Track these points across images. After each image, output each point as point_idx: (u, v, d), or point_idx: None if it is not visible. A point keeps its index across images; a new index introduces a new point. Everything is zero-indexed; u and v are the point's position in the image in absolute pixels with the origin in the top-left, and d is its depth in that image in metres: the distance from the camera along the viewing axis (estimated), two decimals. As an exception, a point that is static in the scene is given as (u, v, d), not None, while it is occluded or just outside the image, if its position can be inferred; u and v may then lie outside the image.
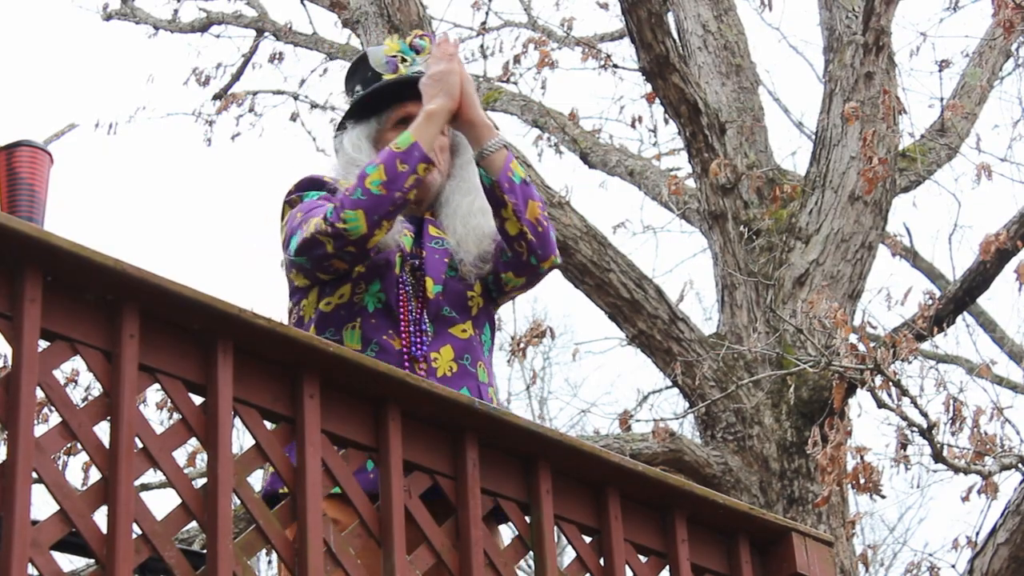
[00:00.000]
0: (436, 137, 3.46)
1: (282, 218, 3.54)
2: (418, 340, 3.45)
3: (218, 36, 11.90)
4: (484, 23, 11.21)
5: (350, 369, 2.77)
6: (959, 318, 9.33)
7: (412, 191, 3.40)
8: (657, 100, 8.67)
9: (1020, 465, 7.13)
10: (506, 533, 3.40)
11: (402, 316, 3.46)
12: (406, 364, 3.40)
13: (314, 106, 11.64)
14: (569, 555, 6.16)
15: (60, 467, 6.96)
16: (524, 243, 3.50)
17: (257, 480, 3.43)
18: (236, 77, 11.79)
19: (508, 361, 10.64)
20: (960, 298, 8.45)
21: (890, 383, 6.97)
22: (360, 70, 3.68)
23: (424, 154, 3.39)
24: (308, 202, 3.50)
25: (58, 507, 2.38)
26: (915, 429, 7.09)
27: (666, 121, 9.18)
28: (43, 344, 2.45)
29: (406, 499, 2.80)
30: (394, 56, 3.66)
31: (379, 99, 3.62)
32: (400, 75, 3.63)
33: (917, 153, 9.38)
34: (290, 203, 3.54)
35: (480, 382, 3.49)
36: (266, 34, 11.66)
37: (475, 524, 2.87)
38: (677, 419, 9.75)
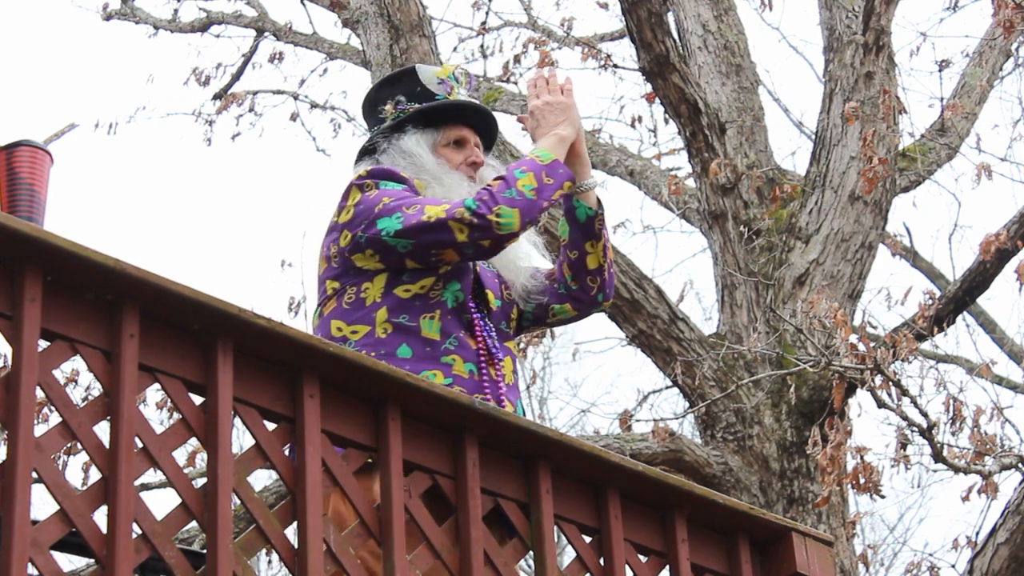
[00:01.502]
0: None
1: (348, 198, 3.59)
2: (492, 344, 3.56)
3: (218, 36, 11.90)
4: (484, 23, 11.21)
5: (350, 369, 2.77)
6: (959, 318, 9.33)
7: (553, 204, 3.59)
8: (657, 100, 8.67)
9: (1020, 465, 7.12)
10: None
11: (476, 319, 3.56)
12: (483, 363, 3.51)
13: (314, 106, 11.65)
14: (569, 555, 6.16)
15: (60, 467, 6.97)
16: (599, 279, 3.74)
17: (257, 480, 3.44)
18: (236, 77, 11.79)
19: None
20: (960, 298, 8.45)
21: (890, 383, 6.97)
22: (406, 82, 3.82)
23: (569, 174, 3.60)
24: (396, 191, 3.57)
25: (58, 507, 2.38)
26: (915, 429, 7.08)
27: (666, 121, 9.18)
28: (43, 344, 2.45)
29: (406, 499, 2.80)
30: (447, 80, 3.83)
31: (437, 114, 3.78)
32: (468, 100, 3.82)
33: (917, 153, 9.38)
34: (362, 187, 3.59)
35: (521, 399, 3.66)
36: (266, 34, 11.65)
37: (475, 524, 2.87)
38: (677, 419, 9.76)
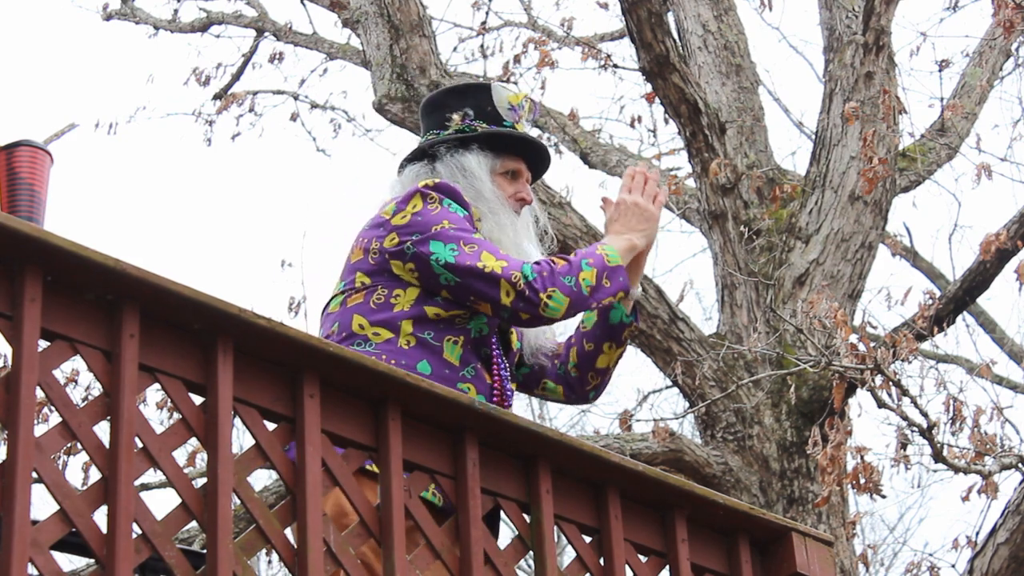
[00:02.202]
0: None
1: (408, 202, 3.53)
2: (506, 382, 3.55)
3: (218, 36, 11.90)
4: (484, 23, 11.21)
5: (350, 369, 2.77)
6: (959, 318, 9.34)
7: (600, 306, 3.58)
8: (657, 100, 8.67)
9: (1020, 465, 7.12)
10: (504, 533, 3.41)
11: (495, 355, 3.54)
12: (495, 399, 3.49)
13: (314, 106, 11.64)
14: (569, 555, 6.16)
15: (60, 467, 6.97)
16: (600, 380, 3.75)
17: (257, 480, 3.44)
18: (236, 77, 11.78)
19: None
20: (960, 298, 8.45)
21: (890, 383, 6.96)
22: (478, 96, 3.78)
23: (627, 284, 3.56)
24: (458, 217, 3.52)
25: (58, 507, 2.38)
26: (915, 429, 7.08)
27: (666, 121, 9.17)
28: (43, 344, 2.45)
29: (406, 499, 2.80)
30: (517, 107, 3.80)
31: (501, 141, 3.74)
32: (532, 136, 3.80)
33: (917, 153, 9.38)
34: (426, 197, 3.53)
35: None
36: (266, 34, 11.65)
37: (475, 524, 2.87)
38: (677, 419, 9.76)
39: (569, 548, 4.43)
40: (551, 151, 3.72)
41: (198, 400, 2.62)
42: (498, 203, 3.66)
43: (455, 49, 11.44)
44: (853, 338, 7.22)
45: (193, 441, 2.69)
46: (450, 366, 3.45)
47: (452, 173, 3.66)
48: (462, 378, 3.45)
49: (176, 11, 11.94)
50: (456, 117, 3.75)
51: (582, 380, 3.73)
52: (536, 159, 3.79)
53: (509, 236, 3.60)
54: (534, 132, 3.92)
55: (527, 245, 3.67)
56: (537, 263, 3.47)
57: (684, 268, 23.88)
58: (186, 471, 4.52)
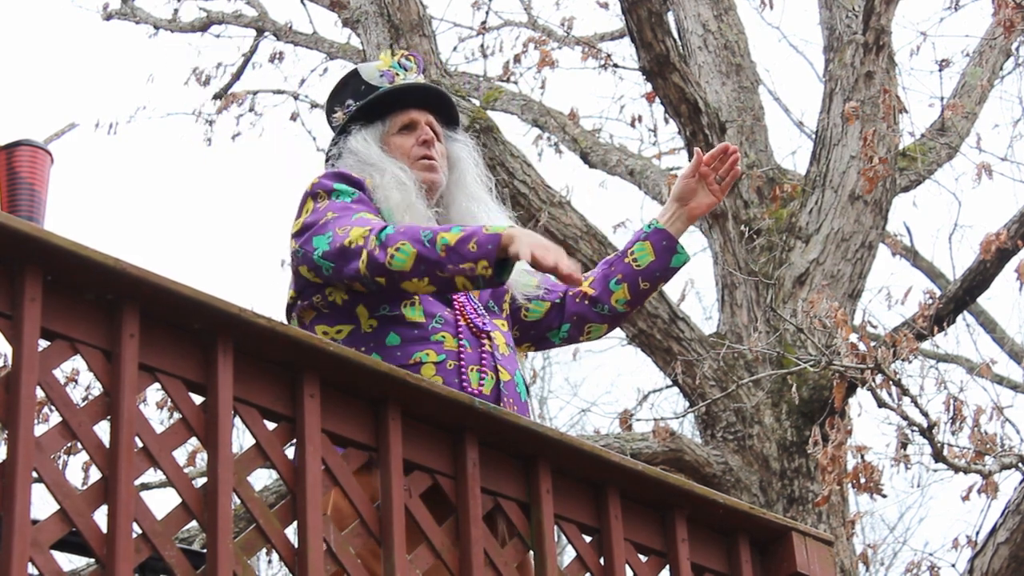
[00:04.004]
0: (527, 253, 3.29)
1: (302, 208, 3.50)
2: (480, 319, 3.51)
3: (218, 36, 11.90)
4: (484, 23, 11.21)
5: (350, 369, 2.77)
6: (959, 318, 9.34)
7: (463, 272, 3.27)
8: (657, 100, 8.67)
9: (1020, 465, 7.12)
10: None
11: (455, 296, 3.49)
12: (472, 336, 3.45)
13: (314, 106, 11.64)
14: (569, 555, 6.16)
15: (60, 467, 6.97)
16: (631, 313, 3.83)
17: (257, 480, 3.44)
18: (236, 77, 11.79)
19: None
20: (960, 297, 8.45)
21: (890, 382, 6.97)
22: (352, 84, 3.77)
23: (494, 253, 3.23)
24: (342, 203, 3.45)
25: (58, 507, 2.38)
26: (915, 428, 7.08)
27: (666, 121, 9.18)
28: (43, 344, 2.45)
29: (406, 499, 2.80)
30: (388, 70, 3.76)
31: (382, 106, 3.71)
32: (409, 83, 3.74)
33: (917, 152, 9.38)
34: (315, 196, 3.49)
35: (523, 370, 3.60)
36: (266, 34, 11.65)
37: (475, 524, 2.87)
38: (677, 419, 9.76)
39: (569, 548, 4.43)
40: (443, 88, 3.66)
41: (198, 400, 2.62)
42: (385, 161, 3.61)
43: (455, 49, 11.45)
44: (853, 338, 7.22)
45: (193, 441, 2.69)
46: (418, 325, 3.42)
47: (346, 162, 3.64)
48: (433, 331, 3.42)
49: (176, 11, 11.94)
50: (339, 114, 3.76)
51: (628, 313, 3.80)
52: (435, 103, 3.73)
53: (396, 197, 3.52)
54: (425, 82, 3.83)
55: (417, 201, 3.56)
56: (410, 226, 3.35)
57: (684, 268, 23.88)
58: (186, 471, 4.52)
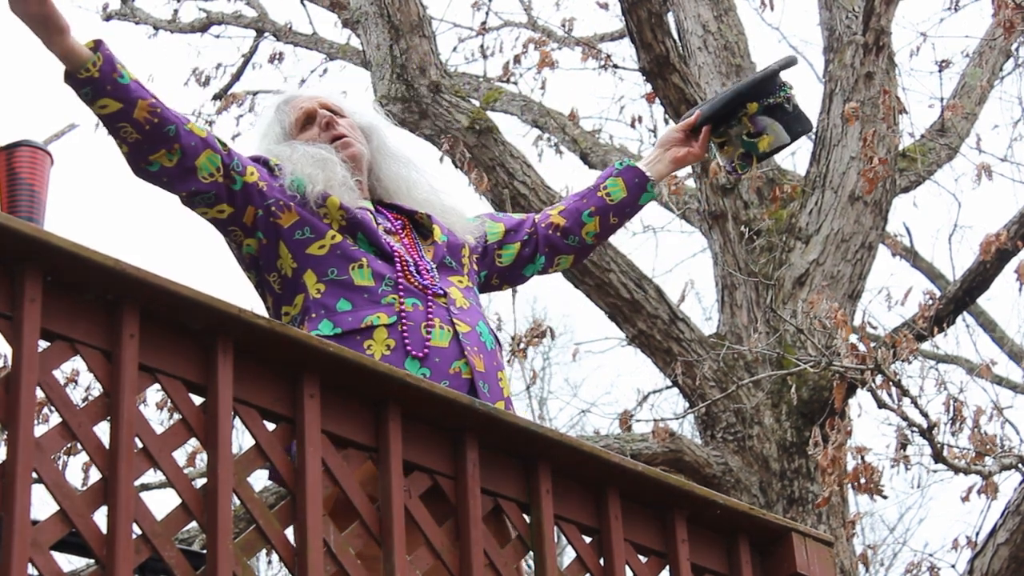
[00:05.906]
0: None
1: None
2: (427, 277, 3.51)
3: (218, 36, 11.89)
4: (484, 23, 11.21)
5: (350, 369, 2.77)
6: (959, 318, 9.34)
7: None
8: (657, 100, 8.67)
9: (1020, 465, 7.13)
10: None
11: (396, 254, 3.51)
12: (419, 294, 3.46)
13: (314, 106, 11.61)
14: (569, 555, 6.16)
15: (60, 467, 6.96)
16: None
17: (257, 480, 3.44)
18: (236, 77, 11.78)
19: (508, 361, 10.63)
20: (960, 298, 8.45)
21: (890, 383, 6.97)
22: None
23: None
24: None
25: (58, 507, 2.38)
26: (915, 429, 7.09)
27: (666, 121, 9.17)
28: (43, 344, 2.45)
29: (406, 499, 2.80)
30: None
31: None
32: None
33: (917, 153, 9.38)
34: None
35: (487, 321, 3.61)
36: (266, 34, 11.65)
37: (475, 524, 2.87)
38: (677, 419, 9.75)
39: (569, 548, 4.43)
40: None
41: (198, 400, 2.62)
42: (294, 143, 3.68)
43: (455, 49, 11.45)
44: (853, 338, 7.23)
45: (193, 441, 2.68)
46: (367, 290, 3.43)
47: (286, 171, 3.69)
48: (383, 293, 3.43)
49: (176, 11, 11.94)
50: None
51: (593, 246, 3.91)
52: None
53: (313, 171, 3.56)
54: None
55: (344, 173, 3.61)
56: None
57: (684, 268, 23.88)
58: (186, 471, 4.52)
